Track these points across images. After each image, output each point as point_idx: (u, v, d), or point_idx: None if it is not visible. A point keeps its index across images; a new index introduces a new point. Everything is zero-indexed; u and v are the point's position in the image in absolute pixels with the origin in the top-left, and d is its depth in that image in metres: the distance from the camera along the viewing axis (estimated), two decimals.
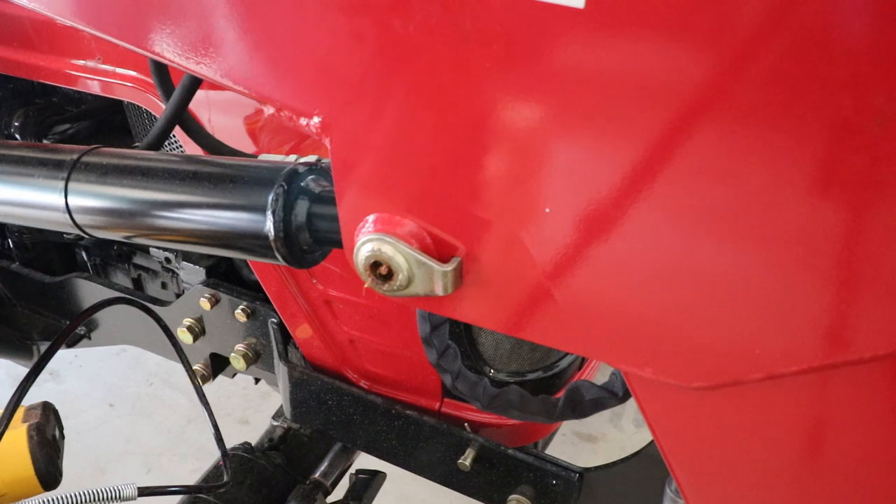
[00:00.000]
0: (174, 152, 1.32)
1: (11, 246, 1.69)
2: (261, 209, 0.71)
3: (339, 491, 1.38)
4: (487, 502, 1.14)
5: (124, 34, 0.70)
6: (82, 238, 1.60)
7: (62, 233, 1.55)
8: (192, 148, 1.05)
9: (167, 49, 0.68)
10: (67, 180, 0.84)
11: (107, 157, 0.85)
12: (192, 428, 2.52)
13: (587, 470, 1.05)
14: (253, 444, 1.36)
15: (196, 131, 1.01)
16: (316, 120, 0.63)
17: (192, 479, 1.31)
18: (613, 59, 0.49)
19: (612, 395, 0.85)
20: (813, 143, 0.46)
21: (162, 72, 0.95)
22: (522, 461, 1.06)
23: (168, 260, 1.52)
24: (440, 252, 0.63)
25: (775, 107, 0.46)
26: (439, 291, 0.63)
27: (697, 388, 0.58)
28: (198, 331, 1.41)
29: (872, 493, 0.59)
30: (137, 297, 1.57)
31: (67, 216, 0.85)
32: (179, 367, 1.02)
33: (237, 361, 1.37)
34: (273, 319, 1.29)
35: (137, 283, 1.66)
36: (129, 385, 2.70)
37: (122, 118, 1.46)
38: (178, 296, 1.55)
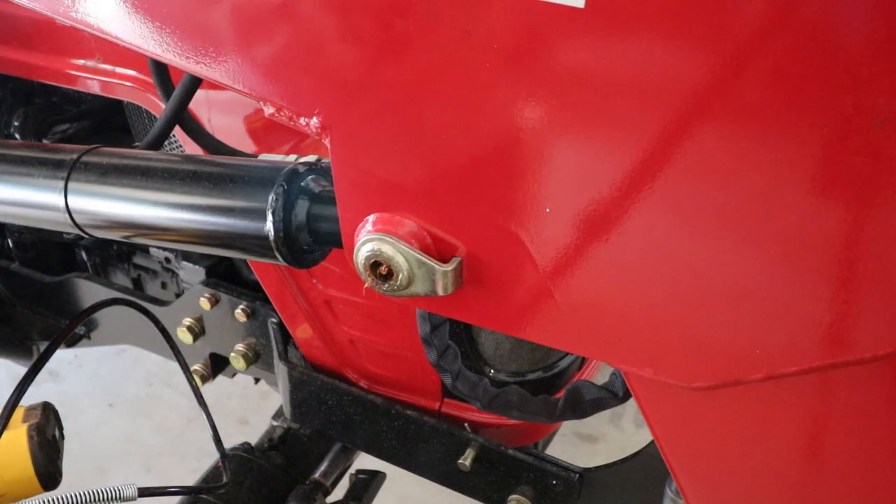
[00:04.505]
0: (174, 152, 1.31)
1: (11, 246, 1.69)
2: (261, 209, 0.71)
3: (339, 491, 1.38)
4: (487, 502, 1.14)
5: (125, 33, 0.70)
6: (82, 238, 1.59)
7: (62, 232, 1.55)
8: (192, 148, 1.05)
9: (167, 49, 0.68)
10: (67, 180, 0.84)
11: (106, 156, 0.85)
12: (191, 428, 2.52)
13: (587, 470, 1.05)
14: (253, 445, 1.36)
15: (196, 131, 1.01)
16: (316, 120, 0.63)
17: (192, 479, 1.31)
18: (613, 59, 0.49)
19: (612, 395, 0.85)
20: (814, 143, 0.46)
21: (162, 72, 0.95)
22: (522, 461, 1.06)
23: (168, 260, 1.52)
24: (440, 252, 0.63)
25: (776, 107, 0.46)
26: (439, 291, 0.63)
27: (697, 388, 0.58)
28: (197, 331, 1.41)
29: (872, 492, 0.59)
30: (137, 296, 1.57)
31: (67, 216, 0.85)
32: (179, 367, 1.01)
33: (237, 361, 1.37)
34: (273, 319, 1.29)
35: (137, 282, 1.65)
36: (129, 385, 2.69)
37: (122, 118, 1.46)
38: (177, 295, 1.55)
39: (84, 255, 1.69)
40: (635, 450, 1.03)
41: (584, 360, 1.22)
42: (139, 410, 2.60)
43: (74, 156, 0.86)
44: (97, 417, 2.55)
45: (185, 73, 0.89)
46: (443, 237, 0.63)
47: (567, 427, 2.45)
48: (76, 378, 2.70)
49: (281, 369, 1.26)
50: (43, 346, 1.72)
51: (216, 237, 0.76)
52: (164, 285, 1.62)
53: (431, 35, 0.54)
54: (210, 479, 1.25)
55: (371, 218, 0.65)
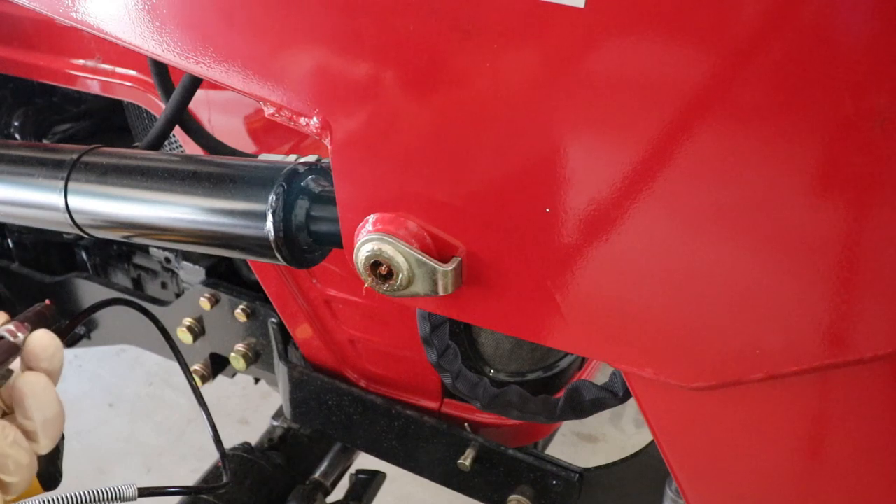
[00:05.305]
0: (174, 152, 1.31)
1: (11, 246, 1.69)
2: (261, 209, 0.71)
3: (339, 491, 1.38)
4: (487, 502, 1.14)
5: (125, 33, 0.70)
6: (82, 238, 1.59)
7: (62, 232, 1.55)
8: (192, 148, 1.05)
9: (167, 49, 0.68)
10: (67, 180, 0.84)
11: (106, 156, 0.85)
12: (192, 428, 2.52)
13: (587, 470, 1.05)
14: (253, 445, 1.36)
15: (196, 131, 1.01)
16: (316, 120, 0.63)
17: (192, 479, 1.31)
18: (614, 59, 0.49)
19: (613, 395, 0.85)
20: (814, 143, 0.46)
21: (162, 72, 0.95)
22: (522, 461, 1.06)
23: (168, 260, 1.52)
24: (440, 252, 0.63)
25: (776, 107, 0.46)
26: (440, 291, 0.63)
27: (697, 388, 0.58)
28: (197, 331, 1.41)
29: (872, 492, 0.59)
30: (137, 296, 1.57)
31: (67, 216, 0.85)
32: (179, 367, 1.01)
33: (237, 361, 1.37)
34: (273, 319, 1.29)
35: (137, 282, 1.65)
36: (129, 385, 2.69)
37: (122, 118, 1.46)
38: (177, 295, 1.55)
39: (84, 255, 1.68)
40: (635, 450, 1.03)
41: (584, 360, 1.22)
42: (139, 410, 2.60)
43: (74, 156, 0.86)
44: (97, 417, 2.55)
45: (185, 73, 0.89)
46: (443, 237, 0.63)
47: (567, 427, 2.45)
48: (76, 378, 2.70)
49: (281, 369, 1.26)
50: None
51: (216, 237, 0.76)
52: (164, 285, 1.62)
53: (431, 35, 0.54)
54: (210, 479, 1.25)
55: (371, 218, 0.65)
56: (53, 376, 0.72)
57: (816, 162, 0.47)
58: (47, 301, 0.84)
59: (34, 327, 0.75)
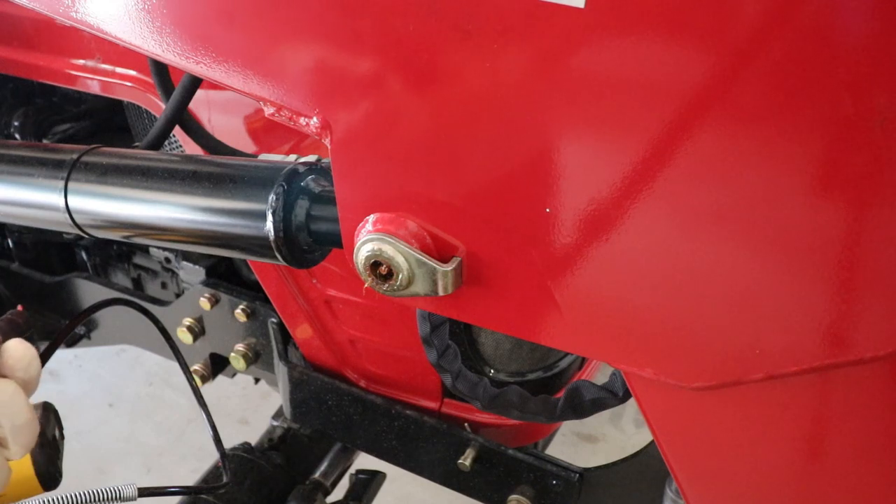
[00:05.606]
0: (174, 152, 1.31)
1: (11, 246, 1.69)
2: (261, 209, 0.71)
3: (339, 491, 1.38)
4: (487, 502, 1.14)
5: (125, 33, 0.70)
6: (82, 238, 1.59)
7: (62, 232, 1.55)
8: (192, 148, 1.05)
9: (167, 49, 0.68)
10: (67, 180, 0.84)
11: (106, 156, 0.85)
12: (192, 428, 2.52)
13: (587, 470, 1.05)
14: (253, 445, 1.36)
15: (196, 131, 1.01)
16: (316, 120, 0.63)
17: (192, 479, 1.31)
18: (614, 59, 0.49)
19: (613, 395, 0.85)
20: (814, 143, 0.46)
21: (162, 71, 0.95)
22: (522, 461, 1.06)
23: (168, 260, 1.52)
24: (440, 252, 0.63)
25: (776, 107, 0.46)
26: (439, 291, 0.63)
27: (697, 388, 0.58)
28: (197, 331, 1.41)
29: (872, 492, 0.59)
30: (137, 296, 1.57)
31: (67, 216, 0.85)
32: (179, 367, 1.01)
33: (237, 361, 1.37)
34: (273, 319, 1.29)
35: (137, 282, 1.65)
36: (129, 385, 2.69)
37: (122, 118, 1.46)
38: (177, 295, 1.55)
39: (84, 255, 1.69)
40: (635, 450, 1.03)
41: (584, 360, 1.22)
42: (139, 410, 2.60)
43: (74, 156, 0.86)
44: (97, 417, 2.55)
45: (185, 73, 0.89)
46: (443, 237, 0.63)
47: (567, 427, 2.45)
48: (76, 378, 2.70)
49: (281, 369, 1.26)
50: (43, 346, 1.72)
51: (216, 237, 0.76)
52: (164, 285, 1.62)
53: (431, 35, 0.54)
54: (210, 479, 1.25)
55: (371, 218, 0.65)
56: (29, 386, 0.71)
57: (816, 162, 0.47)
58: (19, 307, 0.83)
59: (7, 335, 0.73)
